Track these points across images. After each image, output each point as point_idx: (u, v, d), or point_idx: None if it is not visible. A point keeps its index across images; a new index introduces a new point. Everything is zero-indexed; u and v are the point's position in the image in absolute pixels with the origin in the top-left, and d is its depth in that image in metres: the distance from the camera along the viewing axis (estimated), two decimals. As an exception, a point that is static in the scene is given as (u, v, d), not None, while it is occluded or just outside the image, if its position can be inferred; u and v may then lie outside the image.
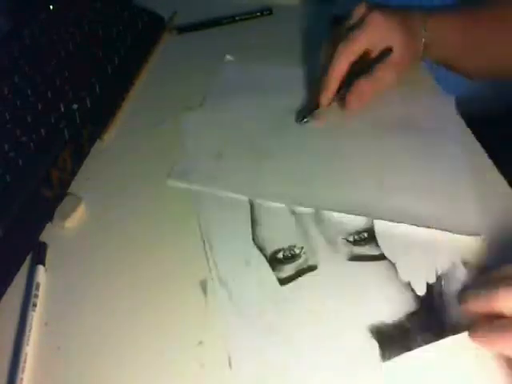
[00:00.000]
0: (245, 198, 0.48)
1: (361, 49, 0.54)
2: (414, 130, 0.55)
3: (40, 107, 0.51)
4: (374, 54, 0.55)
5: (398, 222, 0.46)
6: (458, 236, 0.44)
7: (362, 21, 0.54)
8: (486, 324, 0.37)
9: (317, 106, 0.55)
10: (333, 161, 0.52)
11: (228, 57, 0.65)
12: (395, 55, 0.55)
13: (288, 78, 0.62)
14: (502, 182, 0.50)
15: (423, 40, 0.56)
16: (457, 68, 0.60)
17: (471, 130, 0.55)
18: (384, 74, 0.55)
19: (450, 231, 0.45)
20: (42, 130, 0.48)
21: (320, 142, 0.54)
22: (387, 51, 0.54)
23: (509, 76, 0.60)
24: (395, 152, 0.53)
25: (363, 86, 0.54)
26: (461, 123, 0.56)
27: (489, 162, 0.51)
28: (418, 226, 0.45)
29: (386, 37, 0.54)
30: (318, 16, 0.72)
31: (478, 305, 0.37)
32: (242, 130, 0.55)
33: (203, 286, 0.43)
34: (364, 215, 0.46)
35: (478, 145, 0.53)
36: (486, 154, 0.52)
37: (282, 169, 0.51)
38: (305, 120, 0.55)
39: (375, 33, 0.54)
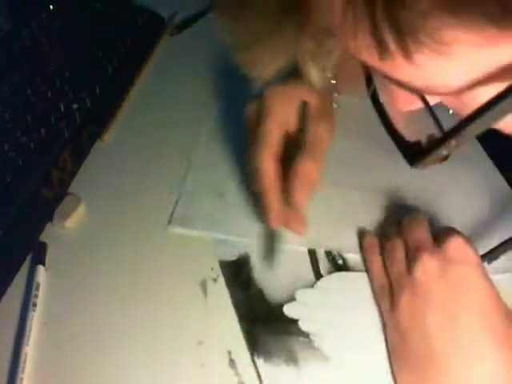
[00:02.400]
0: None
1: (275, 134, 0.42)
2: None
3: (40, 107, 0.51)
4: (293, 127, 0.43)
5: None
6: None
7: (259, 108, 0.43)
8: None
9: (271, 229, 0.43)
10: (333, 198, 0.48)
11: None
12: (314, 103, 0.44)
13: None
14: (501, 181, 0.50)
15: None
16: None
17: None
18: (320, 130, 0.43)
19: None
20: (42, 130, 0.48)
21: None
22: (304, 105, 0.44)
23: None
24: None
25: (303, 169, 0.41)
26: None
27: (488, 162, 0.51)
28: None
29: (291, 97, 0.43)
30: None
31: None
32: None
33: (203, 286, 0.43)
34: None
35: (477, 145, 0.54)
36: (485, 153, 0.53)
37: None
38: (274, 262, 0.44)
39: (276, 104, 0.42)
